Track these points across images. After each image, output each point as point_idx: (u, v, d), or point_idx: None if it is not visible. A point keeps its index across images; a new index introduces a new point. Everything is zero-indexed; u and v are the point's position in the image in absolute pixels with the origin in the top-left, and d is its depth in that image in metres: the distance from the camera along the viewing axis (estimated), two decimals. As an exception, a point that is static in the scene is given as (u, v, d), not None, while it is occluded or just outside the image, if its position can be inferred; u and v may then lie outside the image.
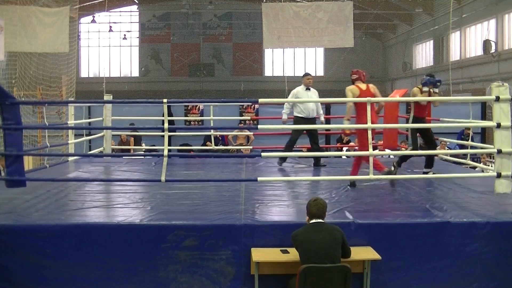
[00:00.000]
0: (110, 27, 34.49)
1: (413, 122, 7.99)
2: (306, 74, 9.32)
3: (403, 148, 11.31)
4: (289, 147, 9.07)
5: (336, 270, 4.70)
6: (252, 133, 13.18)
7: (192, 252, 5.20)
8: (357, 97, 7.21)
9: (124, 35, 36.06)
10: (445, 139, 10.21)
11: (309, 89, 9.16)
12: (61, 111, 13.71)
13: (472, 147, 9.26)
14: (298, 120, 9.03)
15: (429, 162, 8.13)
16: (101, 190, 7.08)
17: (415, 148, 8.04)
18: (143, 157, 11.26)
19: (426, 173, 8.03)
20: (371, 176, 6.24)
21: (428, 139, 8.11)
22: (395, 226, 5.36)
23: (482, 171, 9.11)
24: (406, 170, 8.77)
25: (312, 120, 9.14)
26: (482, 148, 9.36)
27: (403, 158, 8.21)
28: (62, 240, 5.17)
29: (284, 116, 9.21)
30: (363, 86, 7.39)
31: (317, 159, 9.19)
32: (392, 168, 6.94)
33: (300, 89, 9.19)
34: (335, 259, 4.75)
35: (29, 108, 14.15)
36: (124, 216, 5.54)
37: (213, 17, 35.84)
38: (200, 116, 15.08)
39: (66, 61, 17.77)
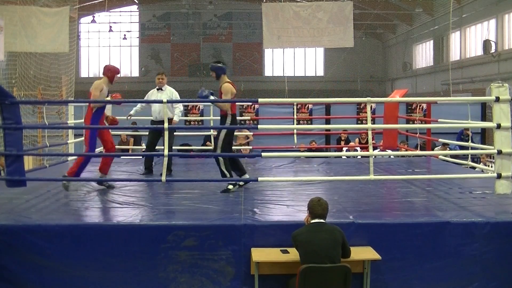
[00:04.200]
0: (110, 27, 34.49)
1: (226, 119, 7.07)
2: (157, 74, 8.68)
3: (402, 149, 11.32)
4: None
5: (336, 270, 4.70)
6: (251, 133, 13.17)
7: (192, 252, 5.20)
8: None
9: (124, 35, 36.06)
10: (445, 140, 10.21)
11: (161, 89, 8.51)
12: (61, 111, 13.71)
13: (472, 148, 9.25)
14: (150, 123, 8.53)
15: (236, 166, 7.19)
16: (101, 190, 7.08)
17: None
18: (142, 157, 11.23)
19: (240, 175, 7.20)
20: (371, 177, 6.24)
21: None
22: (395, 226, 5.36)
23: (482, 171, 9.10)
24: (407, 170, 8.77)
25: (159, 123, 8.09)
26: (482, 149, 9.36)
27: (236, 163, 7.20)
28: (62, 240, 5.17)
29: (131, 112, 8.63)
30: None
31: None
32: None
33: (153, 90, 8.64)
34: (335, 259, 4.75)
35: (29, 108, 14.15)
36: (124, 216, 5.54)
37: (213, 17, 35.85)
38: (200, 116, 15.07)
39: (66, 61, 17.76)
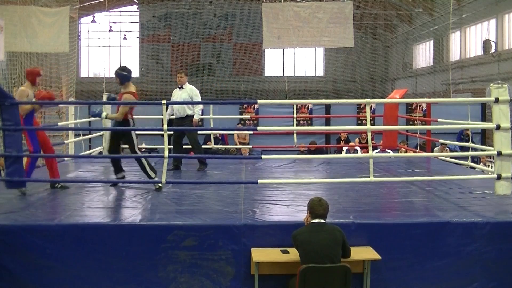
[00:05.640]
0: (110, 27, 34.50)
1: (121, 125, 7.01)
2: (177, 73, 8.82)
3: (402, 149, 11.32)
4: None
5: (336, 270, 4.71)
6: (252, 132, 13.18)
7: (192, 252, 5.20)
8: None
9: (124, 35, 36.07)
10: (445, 141, 10.20)
11: (182, 87, 8.73)
12: (61, 111, 13.70)
13: (472, 149, 9.25)
14: (170, 120, 8.60)
15: (116, 167, 7.29)
16: (101, 190, 7.08)
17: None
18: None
19: (120, 178, 7.24)
20: (371, 178, 6.24)
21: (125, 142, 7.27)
22: (395, 226, 5.36)
23: (482, 171, 9.10)
24: (407, 170, 8.77)
25: (180, 120, 8.67)
26: (482, 150, 9.36)
27: (117, 165, 7.24)
28: (62, 240, 5.17)
29: (196, 117, 8.70)
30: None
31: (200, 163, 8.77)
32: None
33: (176, 88, 8.84)
34: (335, 259, 4.76)
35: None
36: (124, 216, 5.54)
37: (213, 17, 35.86)
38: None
39: (66, 61, 17.75)
